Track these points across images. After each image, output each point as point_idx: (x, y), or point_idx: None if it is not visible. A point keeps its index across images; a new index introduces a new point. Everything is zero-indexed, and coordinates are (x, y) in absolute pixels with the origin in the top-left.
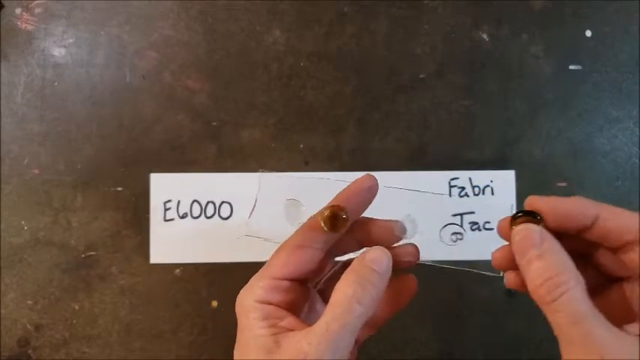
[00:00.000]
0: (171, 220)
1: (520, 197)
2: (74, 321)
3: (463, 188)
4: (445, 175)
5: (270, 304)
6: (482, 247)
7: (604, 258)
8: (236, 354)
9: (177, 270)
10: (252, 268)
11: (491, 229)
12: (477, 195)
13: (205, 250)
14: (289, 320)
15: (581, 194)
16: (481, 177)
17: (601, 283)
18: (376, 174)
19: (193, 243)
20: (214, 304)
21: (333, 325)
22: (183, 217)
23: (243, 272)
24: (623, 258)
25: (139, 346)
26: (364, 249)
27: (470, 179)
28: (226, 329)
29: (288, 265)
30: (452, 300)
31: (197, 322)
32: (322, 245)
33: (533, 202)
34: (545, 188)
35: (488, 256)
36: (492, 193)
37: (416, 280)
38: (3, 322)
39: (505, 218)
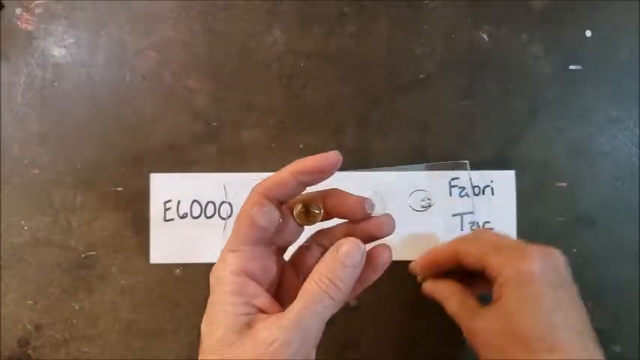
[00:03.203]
0: (171, 220)
1: (520, 197)
2: (74, 321)
3: (463, 188)
4: (445, 175)
5: (244, 273)
6: None
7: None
8: (204, 327)
9: (177, 270)
10: None
11: (491, 229)
12: (477, 195)
13: (205, 250)
14: (262, 300)
15: (581, 194)
16: (481, 177)
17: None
18: (376, 174)
19: (193, 243)
20: None
21: (305, 313)
22: (183, 217)
23: None
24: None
25: (138, 346)
26: (336, 222)
27: (470, 179)
28: None
29: (255, 228)
30: None
31: (197, 322)
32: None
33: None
34: (545, 188)
35: None
36: (492, 193)
37: (390, 250)
38: (3, 322)
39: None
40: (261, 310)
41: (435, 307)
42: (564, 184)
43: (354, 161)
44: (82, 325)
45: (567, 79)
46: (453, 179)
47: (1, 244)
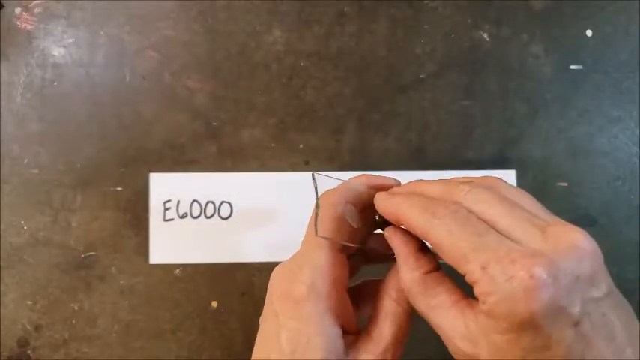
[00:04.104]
0: (171, 220)
1: None
2: (74, 321)
3: None
4: (445, 175)
5: (342, 284)
6: None
7: None
8: (284, 343)
9: (177, 270)
10: (253, 268)
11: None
12: None
13: (205, 250)
14: (349, 317)
15: (581, 194)
16: None
17: None
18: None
19: (193, 243)
20: (214, 304)
21: (399, 336)
22: (183, 217)
23: (243, 272)
24: None
25: (138, 346)
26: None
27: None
28: (226, 329)
29: (340, 229)
30: None
31: (197, 322)
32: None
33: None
34: (546, 188)
35: None
36: None
37: None
38: (3, 322)
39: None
40: (343, 329)
41: None
42: (565, 184)
43: (354, 161)
44: (82, 325)
45: (567, 79)
46: None
47: (0, 244)
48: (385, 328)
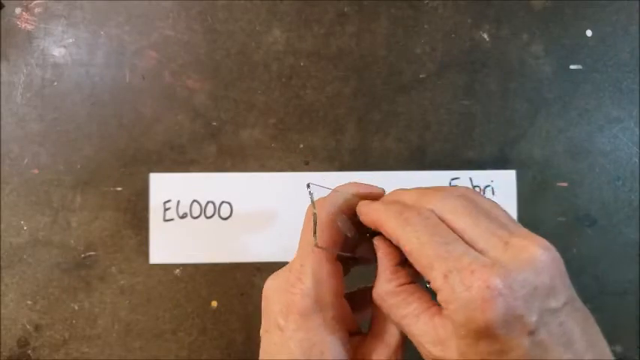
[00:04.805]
0: (171, 220)
1: (521, 197)
2: (74, 321)
3: None
4: (445, 175)
5: (340, 293)
6: None
7: None
8: (296, 353)
9: (177, 270)
10: (253, 268)
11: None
12: None
13: (205, 250)
14: (350, 320)
15: (582, 194)
16: (481, 177)
17: None
18: (376, 174)
19: (193, 243)
20: (214, 304)
21: (403, 338)
22: (182, 217)
23: (243, 272)
24: None
25: (138, 346)
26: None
27: (470, 179)
28: (226, 329)
29: (336, 240)
30: None
31: (197, 322)
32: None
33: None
34: (546, 188)
35: None
36: (493, 193)
37: None
38: (3, 322)
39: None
40: (352, 335)
41: None
42: (565, 184)
43: (354, 161)
44: (82, 325)
45: (567, 79)
46: (453, 179)
47: (1, 244)
48: (392, 328)
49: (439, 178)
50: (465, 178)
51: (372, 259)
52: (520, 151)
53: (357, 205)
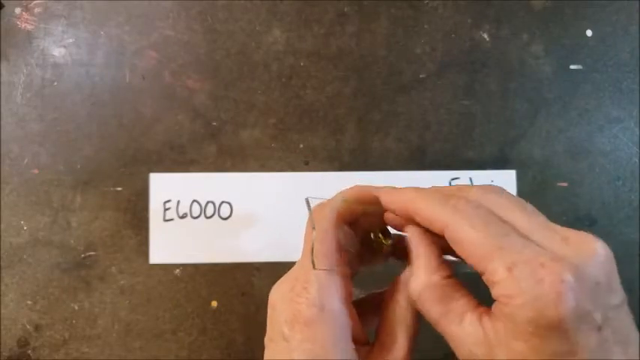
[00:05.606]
0: (171, 220)
1: (521, 197)
2: (74, 321)
3: None
4: (445, 175)
5: (347, 301)
6: None
7: None
8: None
9: (177, 270)
10: (253, 268)
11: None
12: None
13: (205, 250)
14: (358, 329)
15: (582, 194)
16: (481, 177)
17: None
18: (376, 174)
19: (193, 243)
20: (214, 304)
21: (411, 345)
22: (182, 217)
23: (243, 272)
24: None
25: (138, 346)
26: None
27: (470, 179)
28: (226, 329)
29: (339, 258)
30: None
31: (197, 322)
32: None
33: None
34: (546, 188)
35: None
36: None
37: None
38: (3, 322)
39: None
40: (355, 342)
41: None
42: (565, 184)
43: (354, 161)
44: (82, 325)
45: (567, 79)
46: (453, 179)
47: (1, 244)
48: (399, 336)
49: (439, 178)
50: (465, 178)
51: (379, 260)
52: (520, 151)
53: (358, 210)
